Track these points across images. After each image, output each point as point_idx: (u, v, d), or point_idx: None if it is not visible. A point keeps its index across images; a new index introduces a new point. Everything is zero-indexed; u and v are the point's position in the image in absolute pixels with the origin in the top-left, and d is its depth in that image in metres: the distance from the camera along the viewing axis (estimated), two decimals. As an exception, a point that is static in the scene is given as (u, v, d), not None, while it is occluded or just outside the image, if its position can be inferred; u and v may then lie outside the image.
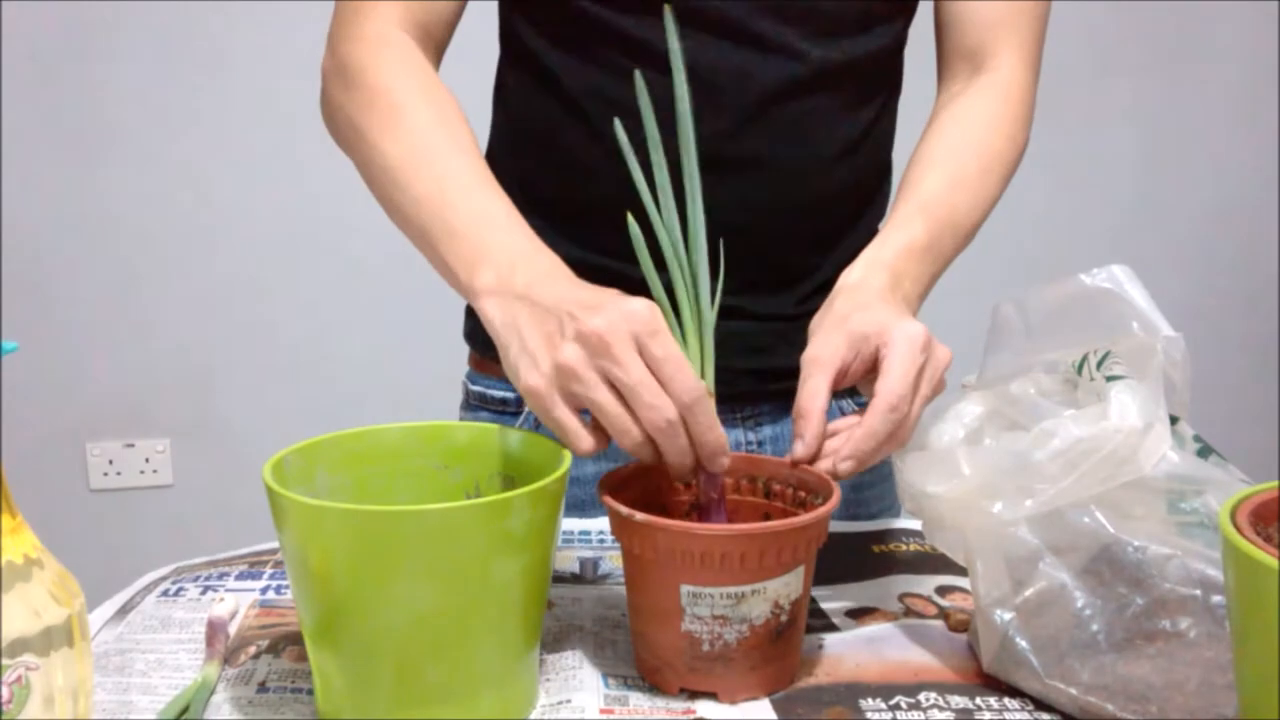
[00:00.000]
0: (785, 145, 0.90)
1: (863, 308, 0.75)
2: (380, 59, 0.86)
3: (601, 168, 0.81)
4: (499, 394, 1.01)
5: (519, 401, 0.98)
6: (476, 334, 1.04)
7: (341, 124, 0.89)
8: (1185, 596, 0.62)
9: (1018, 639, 0.66)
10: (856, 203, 0.97)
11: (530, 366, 0.67)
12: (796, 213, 0.93)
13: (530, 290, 0.70)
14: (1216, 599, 0.62)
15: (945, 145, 0.90)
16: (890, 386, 0.69)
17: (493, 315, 0.71)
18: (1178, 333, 0.71)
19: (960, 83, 0.95)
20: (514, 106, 0.98)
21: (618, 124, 0.69)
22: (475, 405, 1.03)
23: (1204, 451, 0.70)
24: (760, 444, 0.98)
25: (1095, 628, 0.64)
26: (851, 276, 0.80)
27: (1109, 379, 0.67)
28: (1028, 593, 0.66)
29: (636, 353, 0.64)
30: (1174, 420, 0.70)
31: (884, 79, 0.96)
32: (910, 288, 0.81)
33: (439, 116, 0.84)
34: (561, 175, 0.94)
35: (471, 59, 1.07)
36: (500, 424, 0.96)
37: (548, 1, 0.91)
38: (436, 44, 0.93)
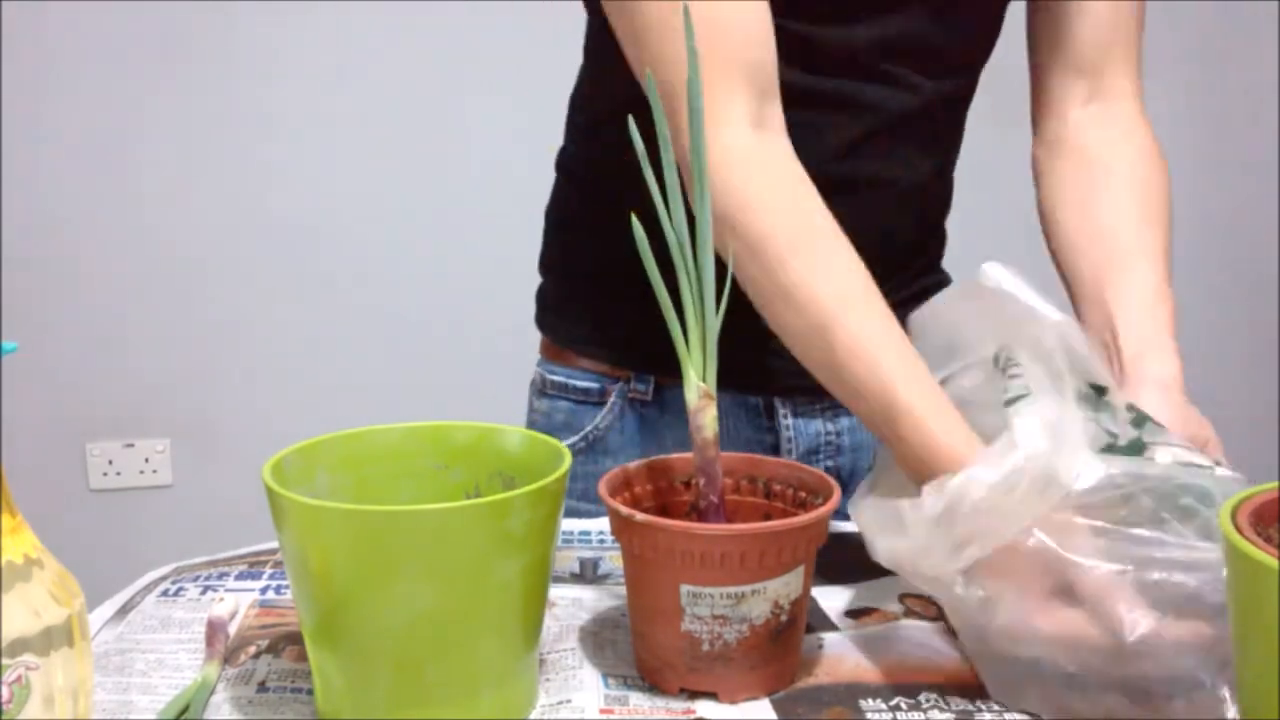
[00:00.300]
0: (887, 171, 0.93)
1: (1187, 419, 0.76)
2: (757, 199, 0.78)
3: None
4: (582, 384, 1.01)
5: (602, 392, 1.00)
6: (552, 325, 1.05)
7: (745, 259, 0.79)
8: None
9: (1002, 671, 0.66)
10: (933, 220, 1.02)
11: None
12: (883, 233, 0.93)
13: None
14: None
15: (1150, 217, 0.90)
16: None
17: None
18: (1064, 315, 0.72)
19: (1077, 107, 0.95)
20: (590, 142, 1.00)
21: (631, 122, 0.69)
22: (554, 394, 1.02)
23: (1139, 420, 0.69)
24: (839, 434, 1.00)
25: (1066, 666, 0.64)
26: (1169, 371, 0.82)
27: (1006, 403, 0.67)
28: (995, 630, 0.66)
29: None
30: (1102, 391, 0.70)
31: (961, 112, 0.99)
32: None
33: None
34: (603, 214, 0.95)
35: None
36: (581, 411, 1.00)
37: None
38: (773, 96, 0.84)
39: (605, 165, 0.94)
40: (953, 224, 1.05)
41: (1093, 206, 0.91)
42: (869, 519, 0.71)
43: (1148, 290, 0.86)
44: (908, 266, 0.99)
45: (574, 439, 1.00)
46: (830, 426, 1.00)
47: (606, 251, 0.90)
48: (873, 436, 1.00)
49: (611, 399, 0.99)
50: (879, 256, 0.93)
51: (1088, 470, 0.63)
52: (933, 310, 0.77)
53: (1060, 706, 0.64)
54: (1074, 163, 0.94)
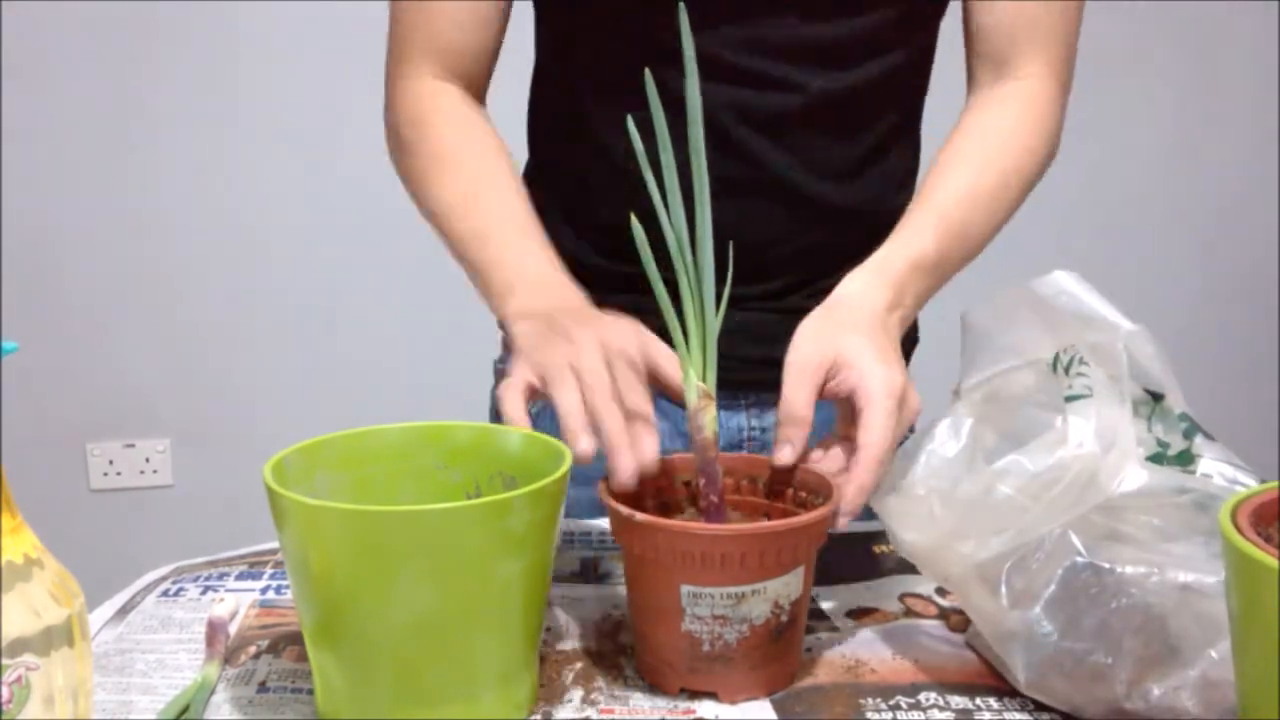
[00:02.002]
0: (786, 169, 0.93)
1: (855, 330, 0.76)
2: (432, 112, 0.96)
3: (628, 200, 0.81)
4: None
5: None
6: None
7: (404, 172, 0.99)
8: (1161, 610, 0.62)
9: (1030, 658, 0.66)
10: (871, 218, 0.97)
11: (520, 366, 0.77)
12: (804, 231, 0.95)
13: (550, 315, 0.78)
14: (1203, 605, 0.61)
15: (963, 156, 0.90)
16: (874, 441, 0.71)
17: (516, 333, 0.80)
18: (1137, 325, 0.72)
19: (985, 90, 0.95)
20: (549, 148, 1.04)
21: (630, 123, 0.69)
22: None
23: (1190, 431, 0.69)
24: (764, 429, 1.00)
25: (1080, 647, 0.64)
26: (852, 285, 0.81)
27: (1067, 399, 0.67)
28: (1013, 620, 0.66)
29: (605, 364, 0.73)
30: (1158, 398, 0.70)
31: (891, 101, 0.97)
32: (910, 304, 0.83)
33: (483, 163, 0.94)
34: (587, 202, 0.98)
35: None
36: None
37: (595, 52, 0.95)
38: (478, 86, 1.00)
39: (564, 170, 0.99)
40: None
41: (941, 157, 0.91)
42: (894, 511, 0.72)
43: (905, 221, 0.86)
44: (841, 264, 0.98)
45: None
46: (755, 422, 1.00)
47: (575, 259, 0.92)
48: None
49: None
50: (798, 258, 0.96)
51: (1130, 477, 0.64)
52: (993, 309, 0.77)
53: (1092, 698, 0.64)
54: (953, 137, 0.94)
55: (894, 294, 0.80)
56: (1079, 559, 0.63)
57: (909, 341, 1.05)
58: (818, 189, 0.94)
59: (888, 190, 0.99)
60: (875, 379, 0.73)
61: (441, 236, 0.95)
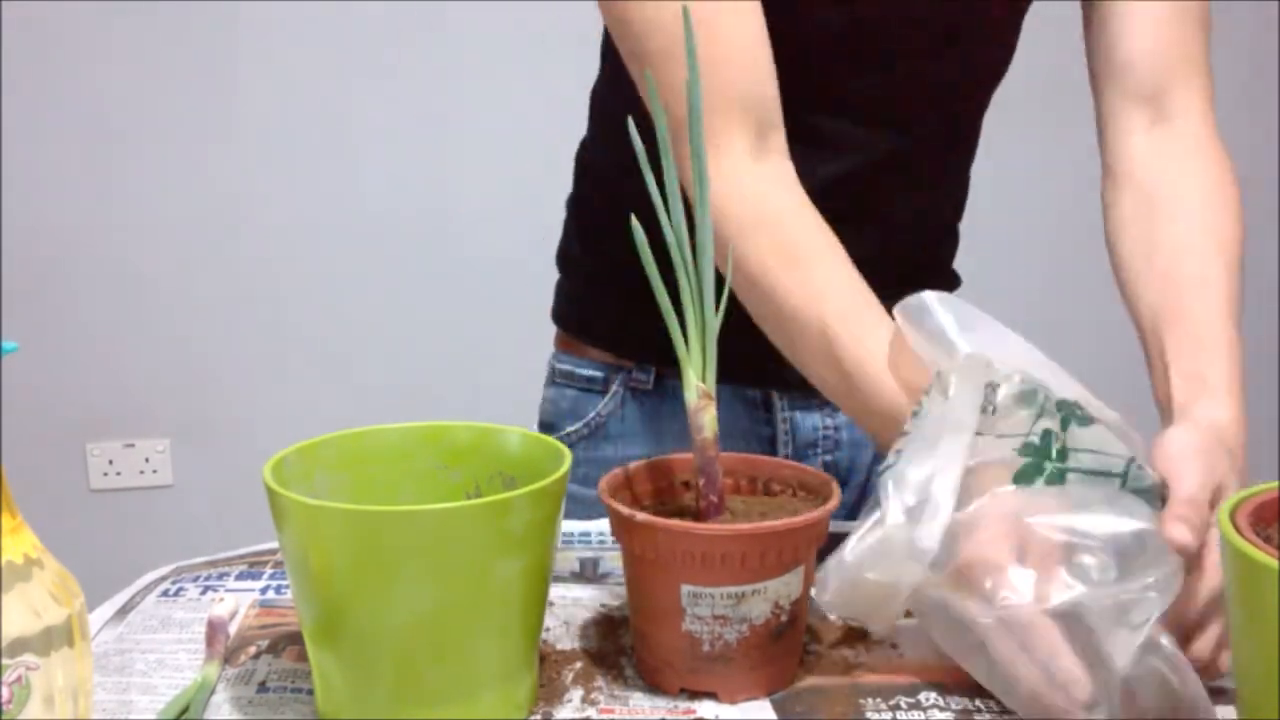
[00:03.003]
0: (875, 206, 0.94)
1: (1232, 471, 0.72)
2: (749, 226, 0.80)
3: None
4: (586, 372, 1.03)
5: (605, 380, 1.02)
6: (565, 316, 1.07)
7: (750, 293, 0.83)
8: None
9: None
10: (939, 245, 1.02)
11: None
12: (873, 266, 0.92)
13: None
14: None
15: (1200, 244, 0.86)
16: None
17: None
18: (971, 350, 0.70)
19: (1139, 134, 0.90)
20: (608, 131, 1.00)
21: (631, 125, 0.69)
22: (561, 382, 1.05)
23: (1066, 420, 0.69)
24: (837, 428, 1.01)
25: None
26: (1223, 415, 0.78)
27: (879, 471, 0.68)
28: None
29: None
30: (1033, 393, 0.69)
31: (963, 147, 0.99)
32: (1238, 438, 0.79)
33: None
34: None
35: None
36: (585, 399, 1.01)
37: None
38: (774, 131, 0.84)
39: (617, 162, 0.95)
40: (964, 225, 1.05)
41: (1154, 244, 0.86)
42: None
43: (1203, 333, 0.81)
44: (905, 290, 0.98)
45: (577, 425, 1.02)
46: (829, 421, 1.01)
47: (613, 245, 0.90)
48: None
49: (614, 387, 1.01)
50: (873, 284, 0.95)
51: (936, 537, 0.64)
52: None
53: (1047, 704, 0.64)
54: (1135, 197, 0.88)
55: (1236, 431, 0.78)
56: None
57: None
58: (881, 235, 0.94)
59: (945, 228, 1.03)
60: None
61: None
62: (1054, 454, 0.68)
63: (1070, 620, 0.62)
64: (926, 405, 0.69)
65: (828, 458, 1.01)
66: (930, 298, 0.72)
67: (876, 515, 0.66)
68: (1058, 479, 0.68)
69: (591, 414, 1.01)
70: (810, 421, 1.00)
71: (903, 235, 0.97)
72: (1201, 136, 0.89)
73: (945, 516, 0.65)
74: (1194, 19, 0.89)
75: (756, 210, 0.79)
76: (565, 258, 1.07)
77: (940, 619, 0.67)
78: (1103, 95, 0.91)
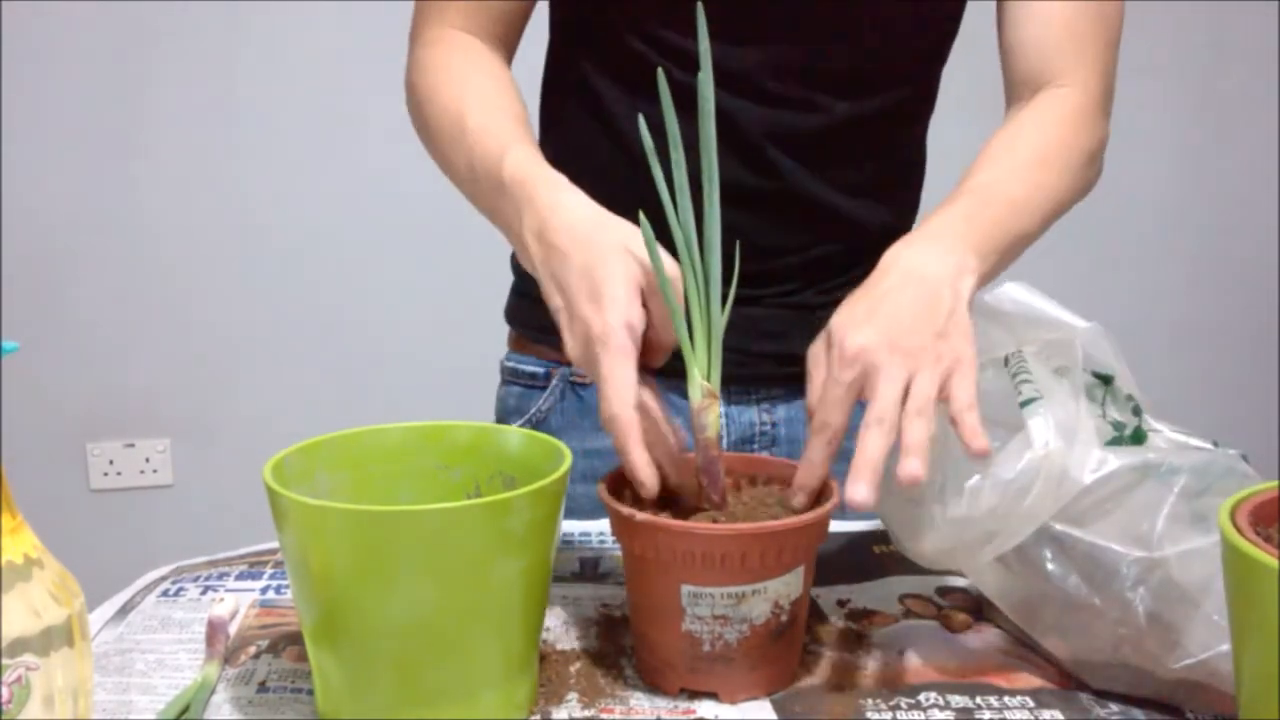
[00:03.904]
0: (807, 184, 0.94)
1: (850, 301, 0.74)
2: (449, 59, 0.95)
3: (645, 197, 0.79)
4: (529, 369, 1.05)
5: (546, 376, 1.03)
6: (514, 315, 1.09)
7: (417, 118, 0.98)
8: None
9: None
10: (886, 232, 0.98)
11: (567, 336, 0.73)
12: (820, 240, 0.97)
13: (557, 244, 0.74)
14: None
15: (994, 145, 0.89)
16: (811, 405, 0.70)
17: (534, 262, 0.76)
18: (1090, 322, 0.75)
19: (1022, 107, 0.93)
20: (563, 131, 1.01)
21: (641, 122, 0.69)
22: (509, 380, 1.07)
23: (1138, 409, 0.73)
24: (775, 424, 1.01)
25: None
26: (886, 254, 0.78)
27: (1022, 405, 0.69)
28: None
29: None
30: (1108, 380, 0.74)
31: (910, 120, 0.99)
32: (956, 242, 0.77)
33: (495, 89, 0.91)
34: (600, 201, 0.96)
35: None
36: (528, 395, 1.02)
37: (610, 43, 0.94)
38: (507, 46, 0.99)
39: (559, 159, 0.97)
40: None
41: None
42: (895, 520, 0.74)
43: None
44: (850, 267, 0.98)
45: (520, 421, 1.03)
46: (765, 417, 1.01)
47: None
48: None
49: (554, 382, 1.02)
50: (809, 265, 0.97)
51: (1099, 464, 0.66)
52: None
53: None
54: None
55: (936, 239, 0.77)
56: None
57: None
58: (837, 202, 0.95)
59: (901, 205, 1.01)
60: (834, 340, 0.70)
61: (446, 165, 0.94)
62: (1128, 436, 0.71)
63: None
64: (1032, 370, 0.71)
65: (765, 454, 1.01)
66: (1019, 287, 0.77)
67: (1016, 441, 0.67)
68: (1143, 440, 0.71)
69: (533, 409, 1.03)
70: (746, 416, 1.00)
71: (839, 229, 0.97)
72: (1069, 96, 0.91)
73: (1095, 448, 0.66)
74: (1088, 17, 0.92)
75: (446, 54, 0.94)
76: (515, 257, 1.06)
77: (1062, 610, 0.68)
78: (1005, 82, 0.96)
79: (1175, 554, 0.64)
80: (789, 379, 0.98)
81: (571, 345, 0.72)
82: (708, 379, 0.68)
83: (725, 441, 1.00)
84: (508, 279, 1.09)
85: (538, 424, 1.02)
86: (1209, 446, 0.71)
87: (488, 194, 0.84)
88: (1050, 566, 0.68)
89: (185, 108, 2.16)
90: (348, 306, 2.27)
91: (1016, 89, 0.94)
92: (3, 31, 2.07)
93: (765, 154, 0.93)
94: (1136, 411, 0.73)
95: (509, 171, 0.80)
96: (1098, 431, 0.69)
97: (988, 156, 0.88)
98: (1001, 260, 0.81)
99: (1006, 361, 0.74)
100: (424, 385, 2.27)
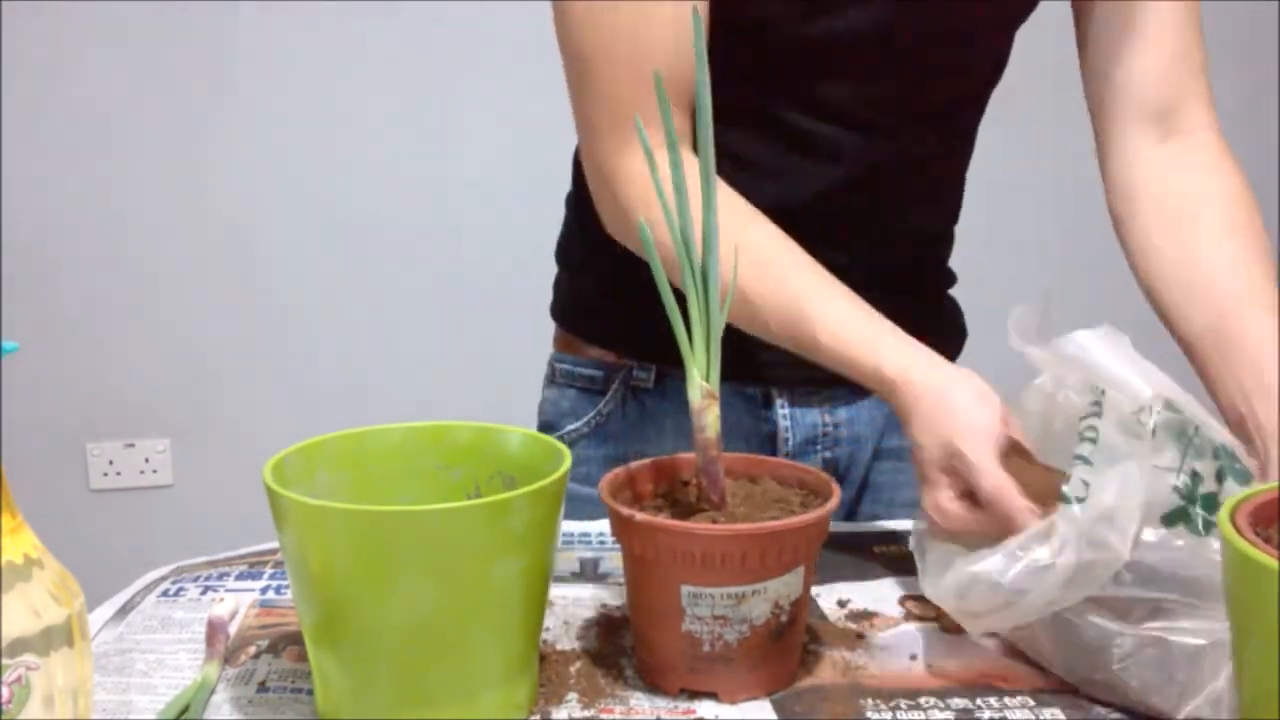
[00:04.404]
0: (875, 205, 0.94)
1: None
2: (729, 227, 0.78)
3: None
4: (587, 372, 1.03)
5: (605, 380, 1.01)
6: (564, 313, 1.07)
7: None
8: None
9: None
10: (928, 254, 1.02)
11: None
12: (872, 264, 0.95)
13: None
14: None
15: (1238, 259, 0.84)
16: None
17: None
18: (1153, 393, 0.70)
19: (1149, 149, 0.89)
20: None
21: (639, 122, 0.69)
22: (561, 382, 1.05)
23: (1222, 473, 0.68)
24: (836, 425, 1.01)
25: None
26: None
27: (1061, 499, 0.66)
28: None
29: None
30: (1191, 426, 0.69)
31: (957, 155, 0.99)
32: None
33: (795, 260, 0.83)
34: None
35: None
36: (585, 398, 1.01)
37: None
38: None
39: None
40: (960, 229, 1.05)
41: (1188, 259, 0.85)
42: (929, 555, 0.73)
43: (1271, 342, 0.79)
44: (905, 295, 0.98)
45: (578, 424, 1.02)
46: (828, 418, 1.00)
47: (612, 243, 0.90)
48: (871, 428, 1.01)
49: (614, 386, 1.01)
50: (868, 292, 0.95)
51: (1116, 580, 0.65)
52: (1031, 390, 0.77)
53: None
54: (1157, 214, 0.88)
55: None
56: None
57: (957, 335, 1.07)
58: (892, 221, 0.96)
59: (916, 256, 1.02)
60: None
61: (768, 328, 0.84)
62: (1201, 500, 0.67)
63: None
64: (1100, 429, 0.68)
65: (827, 454, 1.01)
66: (1087, 337, 0.72)
67: (1041, 529, 0.65)
68: (1202, 532, 0.66)
69: (592, 413, 1.01)
70: (810, 419, 1.00)
71: (898, 243, 0.98)
72: (1214, 147, 0.89)
73: (1117, 565, 0.64)
74: (1194, 24, 0.88)
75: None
76: (566, 255, 1.06)
77: (1056, 630, 0.68)
78: (1107, 115, 0.90)
79: (1163, 627, 0.63)
80: (849, 380, 0.98)
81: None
82: (706, 379, 0.68)
83: (791, 443, 1.00)
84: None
85: (597, 428, 1.01)
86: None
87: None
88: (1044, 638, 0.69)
89: (186, 108, 2.16)
90: (348, 307, 2.27)
91: (1135, 130, 0.89)
92: (2, 32, 2.07)
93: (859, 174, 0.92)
94: (1220, 476, 0.68)
95: (889, 374, 0.77)
96: (1152, 506, 0.65)
97: (1240, 267, 0.83)
98: None
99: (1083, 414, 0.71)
100: (424, 385, 2.27)
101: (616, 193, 0.84)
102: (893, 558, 0.87)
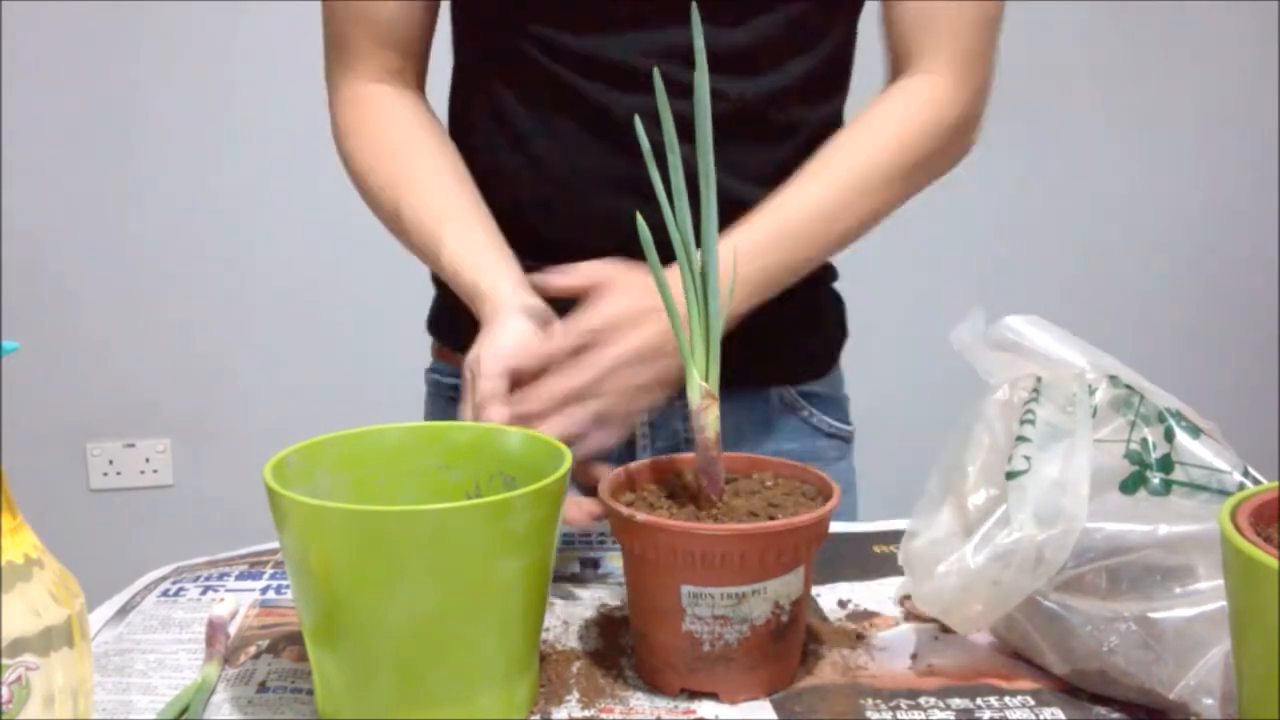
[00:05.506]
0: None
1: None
2: (373, 128, 0.97)
3: (573, 233, 0.91)
4: (451, 381, 1.07)
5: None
6: (437, 325, 1.11)
7: (357, 187, 1.02)
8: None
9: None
10: None
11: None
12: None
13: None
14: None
15: (824, 154, 0.90)
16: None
17: None
18: (1084, 365, 0.73)
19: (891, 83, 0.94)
20: (477, 155, 0.98)
21: (638, 123, 0.69)
22: (432, 392, 1.10)
23: (1170, 432, 0.70)
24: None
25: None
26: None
27: (1008, 476, 0.68)
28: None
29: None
30: (1137, 394, 0.72)
31: (812, 104, 0.96)
32: (747, 266, 0.82)
33: (428, 164, 0.94)
34: (500, 195, 0.96)
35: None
36: (452, 409, 1.01)
37: (511, 54, 0.93)
38: (418, 77, 1.01)
39: (473, 157, 0.97)
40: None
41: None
42: (915, 564, 0.73)
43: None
44: None
45: None
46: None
47: None
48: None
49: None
50: None
51: (1067, 550, 0.66)
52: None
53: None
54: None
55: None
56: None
57: (838, 333, 1.06)
58: (741, 192, 0.91)
59: None
60: (601, 301, 0.79)
61: (400, 238, 0.96)
62: (1155, 463, 0.69)
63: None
64: (1037, 412, 0.70)
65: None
66: (1018, 321, 0.76)
67: (999, 515, 0.67)
68: (1162, 491, 0.68)
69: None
70: (673, 424, 0.99)
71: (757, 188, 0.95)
72: (925, 83, 0.92)
73: (1078, 529, 0.65)
74: (946, 10, 0.92)
75: (373, 119, 0.97)
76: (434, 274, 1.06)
77: (1046, 624, 0.68)
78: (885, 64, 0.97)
79: (1145, 609, 0.64)
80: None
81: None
82: (706, 380, 0.68)
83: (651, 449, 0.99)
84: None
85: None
86: (1232, 469, 0.69)
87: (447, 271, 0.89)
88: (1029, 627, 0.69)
89: (186, 107, 2.16)
90: (348, 306, 2.27)
91: (889, 66, 0.95)
92: (2, 32, 2.07)
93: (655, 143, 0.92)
94: (1170, 435, 0.70)
95: (460, 283, 0.87)
96: (1104, 474, 0.68)
97: (812, 166, 0.89)
98: (765, 295, 0.87)
99: (1015, 399, 0.73)
100: (424, 385, 2.27)
101: (333, 115, 1.01)
102: (893, 558, 0.87)
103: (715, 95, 0.89)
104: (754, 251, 0.84)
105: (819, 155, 0.90)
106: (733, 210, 0.92)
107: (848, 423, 1.06)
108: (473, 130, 0.99)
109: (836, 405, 1.06)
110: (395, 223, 0.94)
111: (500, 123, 0.96)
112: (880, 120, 0.91)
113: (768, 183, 0.92)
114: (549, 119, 0.93)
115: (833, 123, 0.98)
